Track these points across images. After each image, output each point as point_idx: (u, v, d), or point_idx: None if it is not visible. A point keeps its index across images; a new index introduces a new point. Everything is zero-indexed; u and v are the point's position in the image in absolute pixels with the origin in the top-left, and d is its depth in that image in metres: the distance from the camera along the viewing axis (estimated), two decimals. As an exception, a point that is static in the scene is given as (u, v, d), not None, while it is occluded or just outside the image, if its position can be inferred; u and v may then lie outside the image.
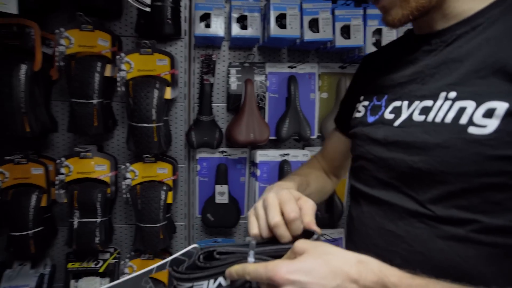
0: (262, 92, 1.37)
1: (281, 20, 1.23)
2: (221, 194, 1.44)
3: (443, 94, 0.51)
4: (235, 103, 1.37)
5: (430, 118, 0.51)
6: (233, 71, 1.35)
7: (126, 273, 1.38)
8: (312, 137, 1.42)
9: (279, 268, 0.42)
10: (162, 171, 1.33)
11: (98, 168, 1.29)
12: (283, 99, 1.40)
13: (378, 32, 1.31)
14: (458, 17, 0.54)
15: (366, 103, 0.66)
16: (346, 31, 1.29)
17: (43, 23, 1.18)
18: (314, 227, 0.50)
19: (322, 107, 1.45)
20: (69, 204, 1.26)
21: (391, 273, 0.42)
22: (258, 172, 1.40)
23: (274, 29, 1.22)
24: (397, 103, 0.58)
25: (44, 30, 1.16)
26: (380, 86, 0.64)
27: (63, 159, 1.24)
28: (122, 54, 1.17)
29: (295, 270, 0.42)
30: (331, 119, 1.42)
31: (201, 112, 1.36)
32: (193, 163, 1.45)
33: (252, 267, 0.45)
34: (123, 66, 1.18)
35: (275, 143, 1.46)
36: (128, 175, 1.31)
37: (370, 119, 0.63)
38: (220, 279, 0.48)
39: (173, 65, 1.22)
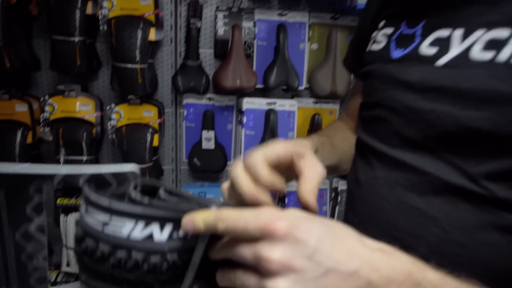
0: (250, 39, 1.34)
1: (272, -38, 1.18)
2: (208, 140, 1.45)
3: None
4: (222, 49, 1.34)
5: (503, 57, 0.35)
6: (220, 15, 1.31)
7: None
8: (300, 87, 1.41)
9: (280, 216, 0.29)
10: (147, 114, 1.34)
11: (83, 108, 1.30)
12: (272, 47, 1.37)
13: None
14: None
15: (389, 30, 0.48)
16: (340, -23, 1.23)
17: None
18: (311, 202, 0.36)
19: (311, 59, 1.42)
20: (54, 142, 1.28)
21: (427, 268, 0.30)
22: (245, 120, 1.40)
23: (263, -29, 1.16)
24: (444, 32, 0.40)
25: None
26: (414, 5, 0.45)
27: (47, 97, 1.24)
28: (104, -9, 1.13)
29: (303, 228, 0.29)
30: (321, 71, 1.41)
31: (188, 56, 1.33)
32: (180, 109, 1.45)
33: (233, 213, 0.30)
34: (105, 4, 1.14)
35: (263, 92, 1.44)
36: (114, 116, 1.31)
37: (396, 53, 0.45)
38: (154, 227, 0.31)
39: (157, 5, 1.19)
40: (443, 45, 0.40)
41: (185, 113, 1.45)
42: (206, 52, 1.39)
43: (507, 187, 0.35)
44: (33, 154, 1.34)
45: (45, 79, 1.33)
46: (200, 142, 1.45)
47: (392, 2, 0.49)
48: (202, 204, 0.32)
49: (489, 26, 0.37)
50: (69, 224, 1.38)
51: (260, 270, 0.29)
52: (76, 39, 1.14)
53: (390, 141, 0.45)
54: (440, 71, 0.40)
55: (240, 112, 1.44)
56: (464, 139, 0.37)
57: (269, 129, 1.38)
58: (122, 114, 1.32)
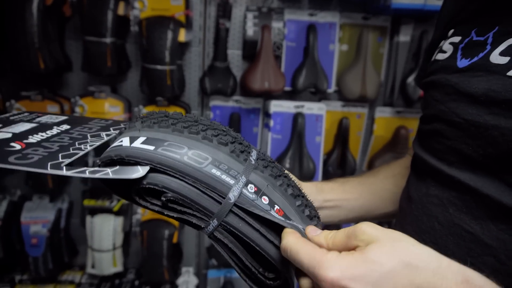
0: (279, 39, 1.32)
1: (303, -39, 1.16)
2: (233, 143, 1.43)
3: None
4: (250, 50, 1.33)
5: None
6: (250, 16, 1.30)
7: (138, 213, 1.44)
8: (329, 90, 1.38)
9: (330, 265, 0.28)
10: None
11: (112, 109, 1.30)
12: (301, 48, 1.35)
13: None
14: None
15: (456, 38, 0.44)
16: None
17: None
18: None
19: (341, 60, 1.39)
20: (83, 143, 1.29)
21: None
22: (271, 123, 1.38)
23: (295, -29, 1.15)
24: None
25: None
26: (487, 12, 0.42)
27: (77, 97, 1.26)
28: (136, -9, 1.13)
29: (354, 279, 0.27)
30: (351, 73, 1.38)
31: (216, 58, 1.33)
32: (206, 110, 1.44)
33: (294, 247, 0.31)
34: (137, 4, 1.15)
35: (291, 95, 1.42)
36: (141, 118, 1.31)
37: (462, 62, 0.41)
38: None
39: (187, 5, 1.18)
40: None
41: (212, 115, 1.44)
42: (234, 53, 1.38)
43: None
44: (62, 154, 1.35)
45: (76, 80, 1.34)
46: (226, 145, 1.44)
47: (464, 10, 0.45)
48: (218, 194, 0.33)
49: None
50: (94, 225, 1.38)
51: None
52: (108, 40, 1.15)
53: (447, 157, 0.41)
54: (510, 83, 0.35)
55: (267, 115, 1.42)
56: None
57: (297, 133, 1.36)
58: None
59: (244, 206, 0.33)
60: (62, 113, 1.28)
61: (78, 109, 1.26)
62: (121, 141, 0.35)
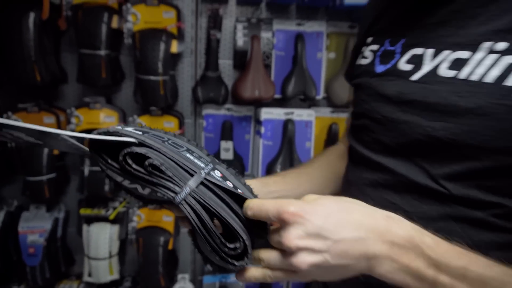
0: (268, 49, 1.37)
1: (289, -26, 1.21)
2: (226, 150, 1.47)
3: (487, 44, 0.39)
4: (241, 60, 1.37)
5: (463, 74, 0.40)
6: (239, 26, 1.34)
7: (134, 221, 1.46)
8: (317, 97, 1.42)
9: (291, 203, 0.37)
10: (168, 125, 1.37)
11: (107, 119, 1.33)
12: (290, 57, 1.39)
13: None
14: None
15: (375, 47, 0.53)
16: (356, -12, 1.25)
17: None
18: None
19: (329, 68, 1.44)
20: (79, 153, 1.31)
21: (425, 233, 0.37)
22: (263, 130, 1.42)
23: (281, -17, 1.20)
24: (418, 50, 0.45)
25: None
26: (397, 25, 0.50)
27: (73, 109, 1.29)
28: (129, 5, 1.18)
29: (309, 211, 0.37)
30: (339, 80, 1.42)
31: (208, 67, 1.37)
32: (199, 119, 1.48)
33: (258, 203, 0.39)
34: (130, 18, 1.19)
35: (281, 102, 1.46)
36: (136, 127, 1.35)
37: (379, 68, 0.50)
38: (137, 186, 0.41)
39: (179, 18, 1.23)
40: (418, 61, 0.45)
41: (204, 123, 1.48)
42: (225, 63, 1.42)
43: (461, 186, 0.41)
44: (58, 164, 1.38)
45: (71, 91, 1.38)
46: (218, 152, 1.47)
47: (380, 21, 0.55)
48: (190, 168, 0.40)
49: (454, 47, 0.42)
50: (91, 234, 1.41)
51: (284, 251, 0.38)
52: (102, 52, 1.19)
53: (373, 147, 0.51)
54: (414, 86, 0.45)
55: (258, 122, 1.46)
56: (429, 146, 0.43)
57: (287, 139, 1.39)
58: (144, 125, 1.35)
59: (213, 180, 0.40)
60: (57, 123, 1.32)
61: (74, 120, 1.29)
62: (116, 126, 0.43)
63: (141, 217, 1.46)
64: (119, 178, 0.42)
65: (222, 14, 1.36)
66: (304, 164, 0.69)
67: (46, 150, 1.30)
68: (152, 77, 1.22)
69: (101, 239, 1.40)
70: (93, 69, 1.20)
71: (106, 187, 1.36)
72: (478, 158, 0.39)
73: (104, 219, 1.44)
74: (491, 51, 0.39)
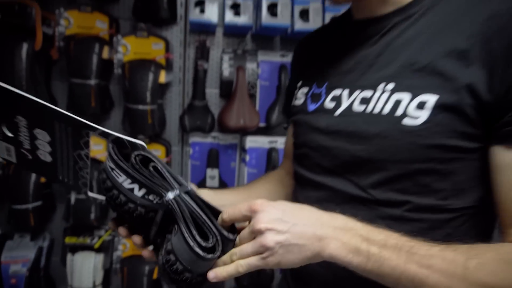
0: (253, 79, 1.42)
1: (273, 9, 1.28)
2: (212, 178, 1.49)
3: (381, 86, 0.52)
4: (227, 89, 1.42)
5: (369, 109, 0.53)
6: (226, 57, 1.41)
7: (119, 250, 1.45)
8: (302, 125, 1.47)
9: (258, 200, 0.48)
10: (155, 153, 1.39)
11: (95, 147, 1.35)
12: (274, 87, 1.45)
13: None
14: (395, 4, 0.55)
15: (305, 89, 0.66)
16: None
17: (43, 2, 1.24)
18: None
19: (312, 97, 1.50)
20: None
21: (356, 221, 0.48)
22: (247, 158, 1.45)
23: (265, 18, 1.27)
24: (337, 91, 0.59)
25: (44, 9, 1.22)
26: (320, 72, 0.64)
27: (61, 136, 1.31)
28: (119, 36, 1.23)
29: (272, 204, 0.48)
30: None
31: (195, 96, 1.41)
32: (186, 147, 1.51)
33: (231, 208, 0.49)
34: (120, 49, 1.24)
35: (265, 131, 1.51)
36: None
37: (311, 107, 0.63)
38: (135, 186, 0.48)
39: (167, 48, 1.28)
40: (338, 100, 0.58)
41: (191, 151, 1.51)
42: (212, 92, 1.47)
43: (381, 191, 0.53)
44: (45, 192, 1.38)
45: (60, 120, 1.40)
46: (204, 180, 1.49)
47: (307, 69, 0.68)
48: (179, 181, 0.49)
49: (361, 88, 0.55)
50: (75, 263, 1.39)
51: (255, 235, 0.47)
52: (92, 82, 1.22)
53: (314, 170, 0.62)
54: (337, 119, 0.57)
55: (243, 150, 1.49)
56: (355, 164, 0.55)
57: (271, 167, 1.43)
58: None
59: (194, 193, 0.50)
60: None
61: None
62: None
63: (126, 245, 1.46)
64: (121, 178, 0.48)
65: (209, 45, 1.42)
66: (251, 182, 0.81)
67: (33, 178, 1.31)
68: (140, 106, 1.25)
69: (85, 269, 1.39)
70: (83, 98, 1.24)
71: (92, 215, 1.36)
72: (388, 169, 0.52)
73: (89, 248, 1.42)
74: (384, 91, 0.52)
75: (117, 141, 0.51)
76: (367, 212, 0.54)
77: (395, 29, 0.54)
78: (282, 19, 1.27)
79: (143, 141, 0.53)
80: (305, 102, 0.65)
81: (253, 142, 1.44)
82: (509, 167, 0.46)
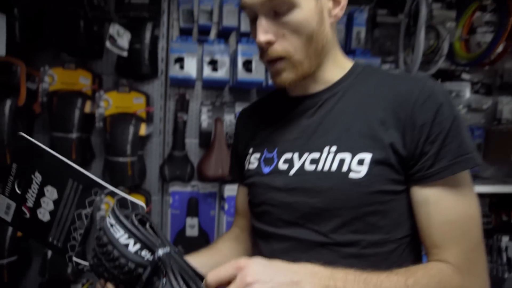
0: (231, 130, 1.48)
1: (248, 65, 1.37)
2: (192, 227, 1.50)
3: (326, 148, 0.63)
4: (206, 140, 1.47)
5: (319, 167, 0.63)
6: (204, 109, 1.47)
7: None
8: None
9: (242, 259, 0.51)
10: (135, 203, 1.40)
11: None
12: (252, 136, 1.51)
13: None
14: (325, 83, 0.67)
15: (257, 155, 0.73)
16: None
17: (29, 59, 1.29)
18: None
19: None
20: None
21: (324, 267, 0.53)
22: (226, 206, 1.47)
23: (241, 73, 1.35)
24: (288, 155, 0.67)
25: (29, 66, 1.27)
26: (269, 140, 0.72)
27: (40, 189, 1.31)
28: (102, 92, 1.28)
29: (254, 263, 0.50)
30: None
31: (175, 147, 1.46)
32: (166, 196, 1.53)
33: (216, 271, 0.51)
34: (102, 103, 1.29)
35: (245, 178, 1.54)
36: (103, 206, 1.37)
37: (266, 169, 0.70)
38: (131, 241, 0.52)
39: (148, 102, 1.34)
40: (290, 162, 0.66)
41: (171, 200, 1.53)
42: (192, 142, 1.52)
43: (340, 234, 0.61)
44: (21, 246, 1.36)
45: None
46: (184, 229, 1.50)
47: (255, 137, 0.76)
48: (165, 241, 0.54)
49: (310, 151, 0.64)
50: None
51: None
52: (74, 135, 1.26)
53: (276, 224, 0.68)
54: (293, 178, 0.65)
55: (222, 198, 1.52)
56: (315, 214, 0.63)
57: (252, 213, 1.45)
58: (110, 204, 1.38)
59: (183, 255, 0.55)
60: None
61: (40, 200, 1.31)
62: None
63: (104, 299, 1.42)
64: (118, 234, 0.53)
65: (188, 98, 1.49)
66: (212, 244, 0.85)
67: (9, 232, 1.29)
68: (120, 159, 1.28)
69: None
70: (64, 151, 1.26)
71: (69, 270, 1.34)
72: (342, 215, 0.61)
73: (65, 303, 1.38)
74: (329, 152, 0.62)
75: (120, 201, 0.57)
76: (330, 255, 0.62)
77: (327, 104, 0.66)
78: (257, 75, 1.35)
79: (123, 191, 0.58)
80: (259, 165, 0.72)
81: (231, 190, 1.47)
82: (425, 201, 0.60)
